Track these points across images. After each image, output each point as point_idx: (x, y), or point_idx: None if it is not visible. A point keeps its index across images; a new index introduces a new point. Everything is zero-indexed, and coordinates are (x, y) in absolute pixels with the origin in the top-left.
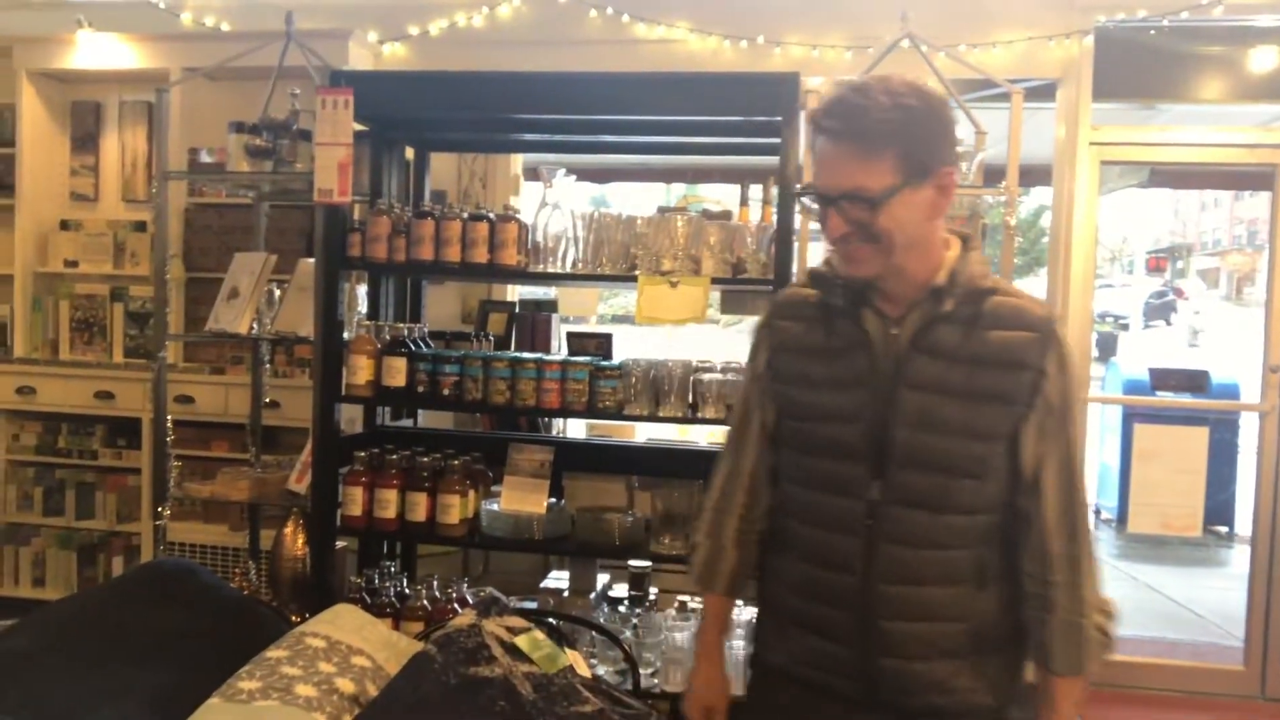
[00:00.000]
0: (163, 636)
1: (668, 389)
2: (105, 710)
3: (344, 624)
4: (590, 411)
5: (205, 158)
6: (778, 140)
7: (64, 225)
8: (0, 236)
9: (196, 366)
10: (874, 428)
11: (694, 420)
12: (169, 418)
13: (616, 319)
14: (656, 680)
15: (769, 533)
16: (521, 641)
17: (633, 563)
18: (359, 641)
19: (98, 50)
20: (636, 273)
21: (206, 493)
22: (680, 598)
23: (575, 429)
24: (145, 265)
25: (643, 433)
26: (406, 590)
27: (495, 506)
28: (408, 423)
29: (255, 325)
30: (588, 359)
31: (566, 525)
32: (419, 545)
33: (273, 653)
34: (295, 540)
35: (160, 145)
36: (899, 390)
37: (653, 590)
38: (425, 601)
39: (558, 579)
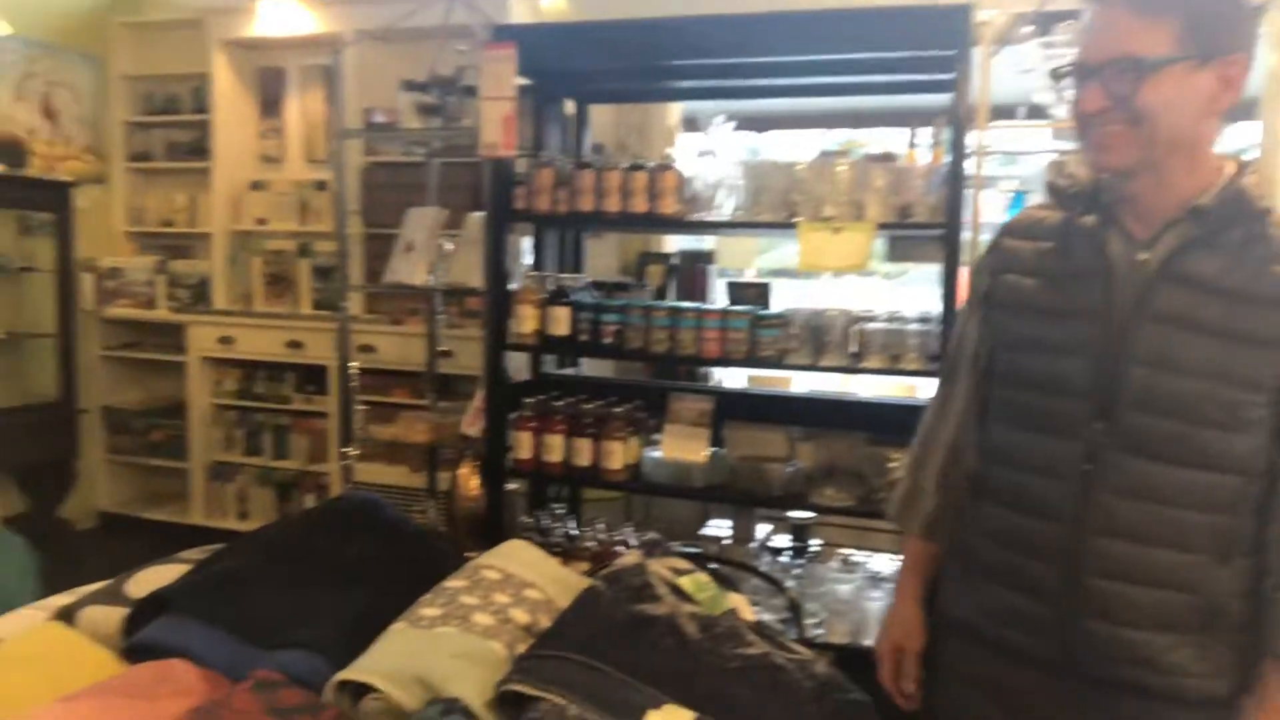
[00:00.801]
0: (352, 563)
1: (829, 338)
2: (304, 629)
3: (517, 558)
4: (750, 360)
5: (379, 118)
6: (949, 76)
7: (254, 186)
8: (200, 198)
9: (377, 318)
10: (1102, 363)
11: (856, 370)
12: (354, 365)
13: (776, 274)
14: (821, 630)
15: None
16: (685, 582)
17: (795, 513)
18: (531, 575)
19: (279, 17)
20: (796, 220)
21: (388, 435)
22: (843, 551)
23: (735, 379)
24: (328, 222)
25: (803, 385)
26: (573, 531)
27: (657, 453)
28: (572, 370)
29: (429, 277)
30: (747, 308)
31: (726, 474)
32: (584, 490)
33: (451, 583)
34: (470, 481)
35: (336, 106)
36: (1138, 323)
37: (814, 542)
38: (592, 543)
39: (718, 528)
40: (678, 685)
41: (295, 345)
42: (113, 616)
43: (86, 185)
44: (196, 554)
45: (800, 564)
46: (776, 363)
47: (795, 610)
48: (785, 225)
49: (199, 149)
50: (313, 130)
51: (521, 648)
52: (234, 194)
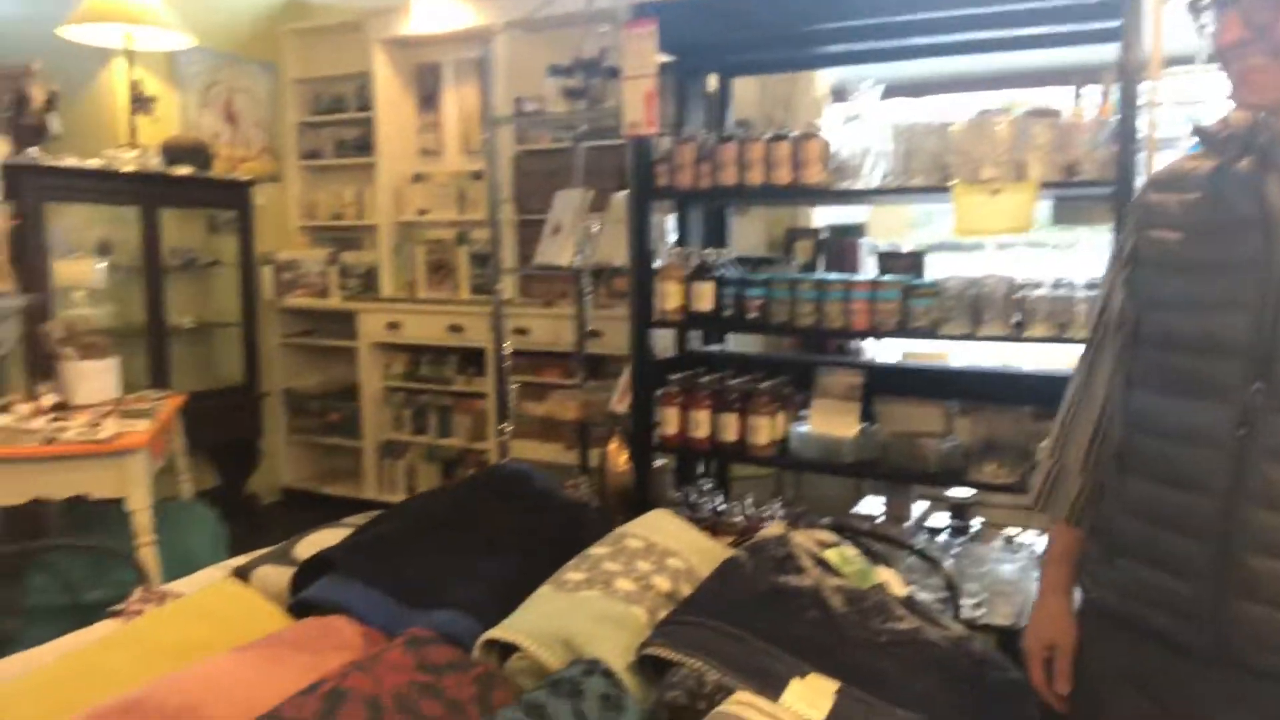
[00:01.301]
0: (502, 530)
1: (988, 307)
2: (456, 591)
3: (660, 528)
4: (901, 331)
5: (528, 106)
6: (1116, 24)
7: (415, 178)
8: (366, 192)
9: (529, 301)
10: (1262, 319)
11: (1018, 339)
12: (508, 345)
13: (934, 249)
14: (982, 611)
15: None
16: (831, 555)
17: (953, 491)
18: (674, 544)
19: (433, 14)
20: (951, 183)
21: (540, 412)
22: (1007, 530)
23: (888, 353)
24: (483, 210)
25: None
26: (720, 506)
27: (804, 428)
28: (717, 347)
29: (576, 258)
30: (898, 278)
31: (878, 449)
32: (733, 467)
33: (596, 550)
34: (618, 457)
35: (488, 95)
36: None
37: (975, 521)
38: (739, 518)
39: (871, 506)
40: (821, 656)
41: (456, 329)
42: (282, 576)
43: (264, 184)
44: (359, 519)
45: (960, 543)
46: (930, 333)
47: (952, 589)
48: (939, 189)
49: (364, 145)
50: (468, 122)
51: (663, 614)
52: (397, 186)
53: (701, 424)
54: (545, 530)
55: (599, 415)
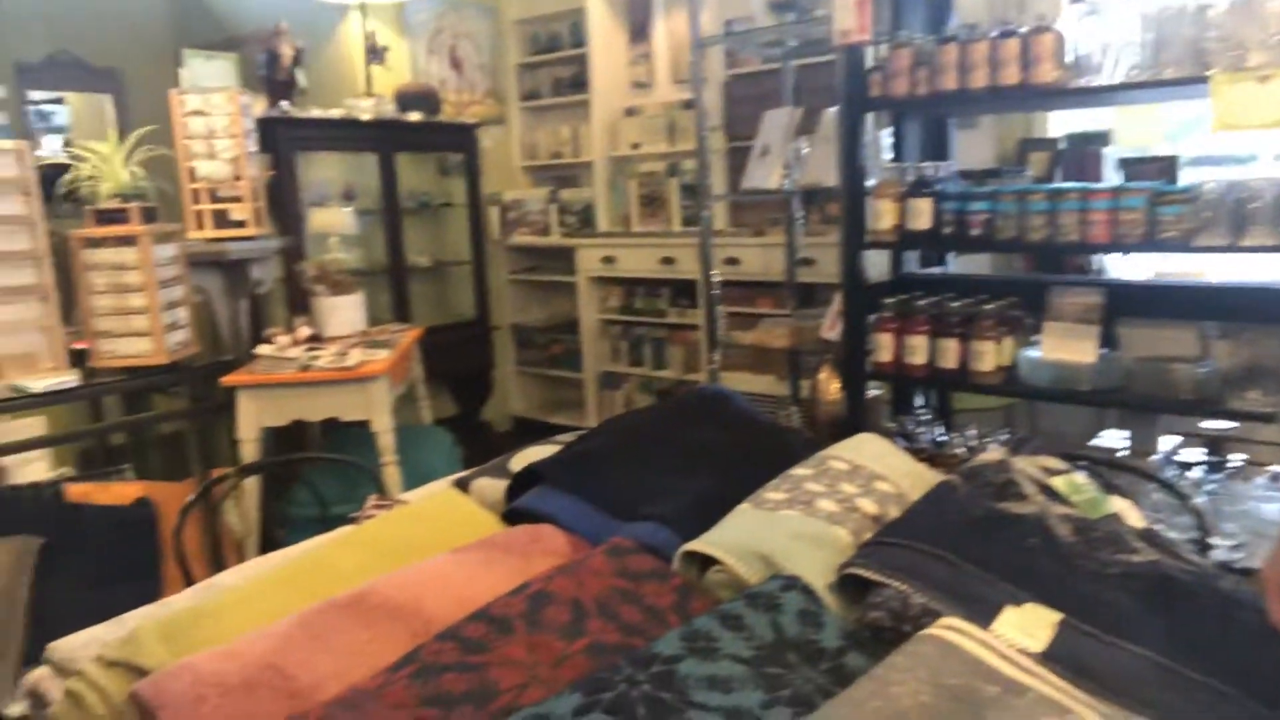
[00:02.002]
0: (702, 449)
1: (1253, 213)
2: (658, 505)
3: (867, 451)
4: (1148, 244)
5: (737, 28)
6: None
7: (628, 112)
8: (581, 129)
9: (739, 230)
10: None
11: None
12: (716, 274)
13: (1193, 162)
14: (1239, 555)
15: None
16: (1058, 483)
17: (1209, 424)
18: (881, 468)
19: None
20: (1210, 73)
21: (749, 340)
22: (1272, 468)
23: (1132, 271)
24: (693, 140)
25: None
26: (940, 437)
27: (1035, 354)
28: (937, 270)
29: (785, 180)
30: (1145, 185)
31: (1120, 376)
32: (955, 398)
33: (798, 470)
34: (829, 385)
35: (694, 15)
36: None
37: (1235, 457)
38: (961, 449)
39: (1110, 440)
40: (1042, 587)
41: (668, 261)
42: (497, 487)
43: (489, 126)
44: (567, 437)
45: (1215, 480)
46: (1181, 245)
47: (1202, 526)
48: (1195, 81)
49: (579, 83)
50: (678, 51)
51: (867, 537)
52: (610, 121)
53: (918, 350)
54: (745, 450)
55: (809, 343)
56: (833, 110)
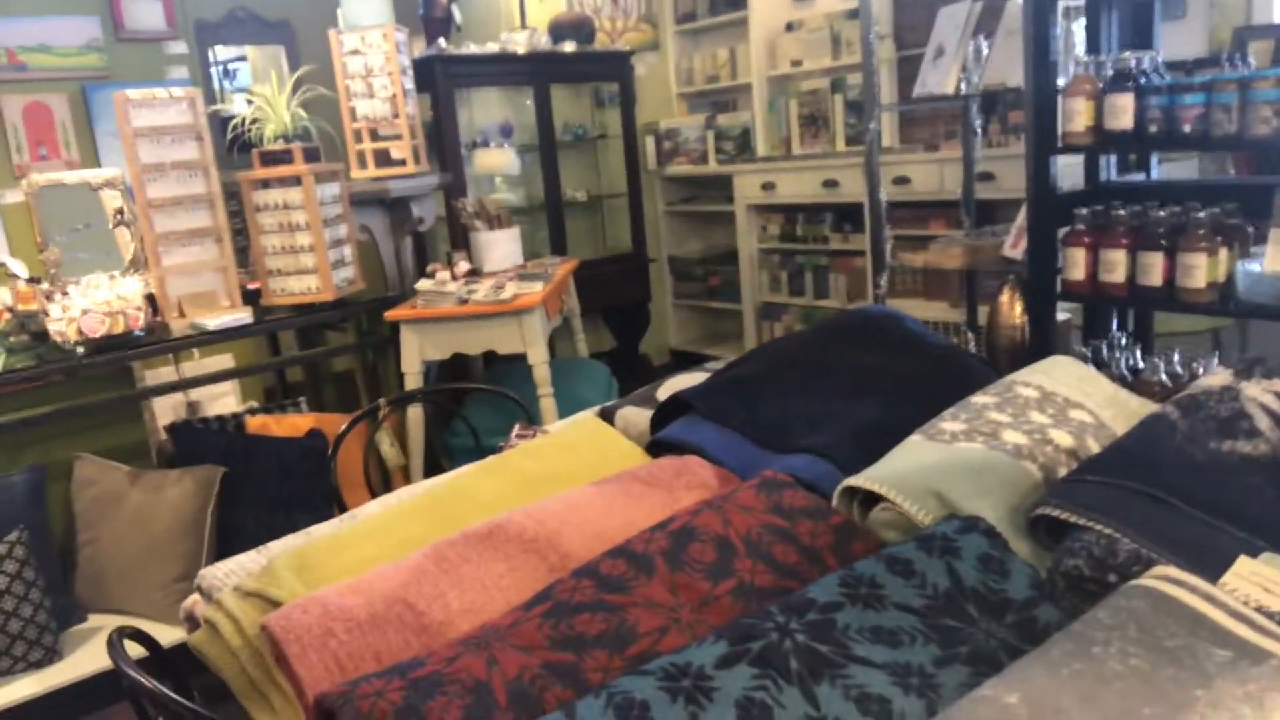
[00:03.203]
0: (868, 374)
1: None
2: (815, 435)
3: (1060, 375)
4: None
5: None
6: None
7: (788, 27)
8: (739, 49)
9: (909, 147)
10: None
11: None
12: (884, 194)
13: None
14: None
15: None
16: None
17: None
18: (1078, 395)
19: None
20: None
21: (920, 261)
22: None
23: None
24: (859, 52)
25: None
26: (1140, 364)
27: (1257, 267)
28: (1139, 176)
29: (962, 83)
30: None
31: None
32: (1155, 323)
33: (979, 398)
34: (1012, 308)
35: None
36: None
37: None
38: (1163, 376)
39: None
40: (1265, 534)
41: (831, 184)
42: (643, 416)
43: (643, 53)
44: (719, 364)
45: None
46: None
47: None
48: None
49: (736, 0)
50: None
51: (1061, 472)
52: (769, 39)
53: (1117, 266)
54: (916, 376)
55: (989, 262)
56: (1018, 1)
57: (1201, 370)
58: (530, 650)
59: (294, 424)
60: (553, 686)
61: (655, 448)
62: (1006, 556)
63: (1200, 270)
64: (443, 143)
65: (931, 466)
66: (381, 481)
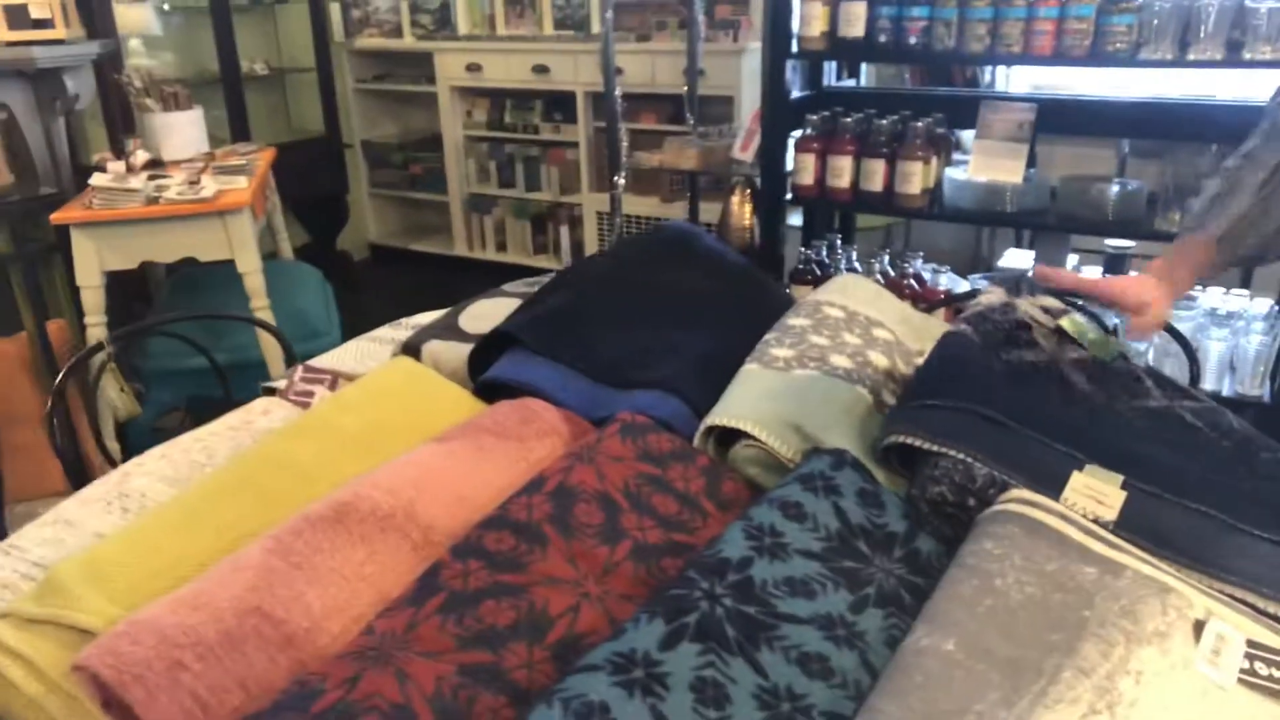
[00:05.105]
0: (684, 298)
1: (1202, 24)
2: (655, 368)
3: (856, 294)
4: (1094, 58)
5: None
6: None
7: None
8: None
9: (621, 36)
10: None
11: (1233, 64)
12: (619, 91)
13: None
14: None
15: None
16: (1065, 324)
17: (1112, 242)
18: (875, 313)
19: None
20: None
21: (655, 162)
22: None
23: (1022, 82)
24: None
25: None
26: (857, 265)
27: (961, 174)
28: (851, 82)
29: None
30: None
31: (1045, 197)
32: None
33: (793, 320)
34: (743, 210)
35: None
36: None
37: (1133, 275)
38: (911, 281)
39: (1014, 260)
40: (1090, 445)
41: (541, 70)
42: (454, 351)
43: None
44: (519, 287)
45: None
46: (1128, 60)
47: (1191, 358)
48: None
49: None
50: None
51: (885, 394)
52: None
53: (844, 172)
54: (728, 296)
55: (720, 164)
56: None
57: (911, 269)
58: (439, 656)
59: None
60: (480, 695)
61: (480, 390)
62: (879, 490)
63: (917, 177)
64: (90, 2)
65: (780, 398)
66: (118, 438)
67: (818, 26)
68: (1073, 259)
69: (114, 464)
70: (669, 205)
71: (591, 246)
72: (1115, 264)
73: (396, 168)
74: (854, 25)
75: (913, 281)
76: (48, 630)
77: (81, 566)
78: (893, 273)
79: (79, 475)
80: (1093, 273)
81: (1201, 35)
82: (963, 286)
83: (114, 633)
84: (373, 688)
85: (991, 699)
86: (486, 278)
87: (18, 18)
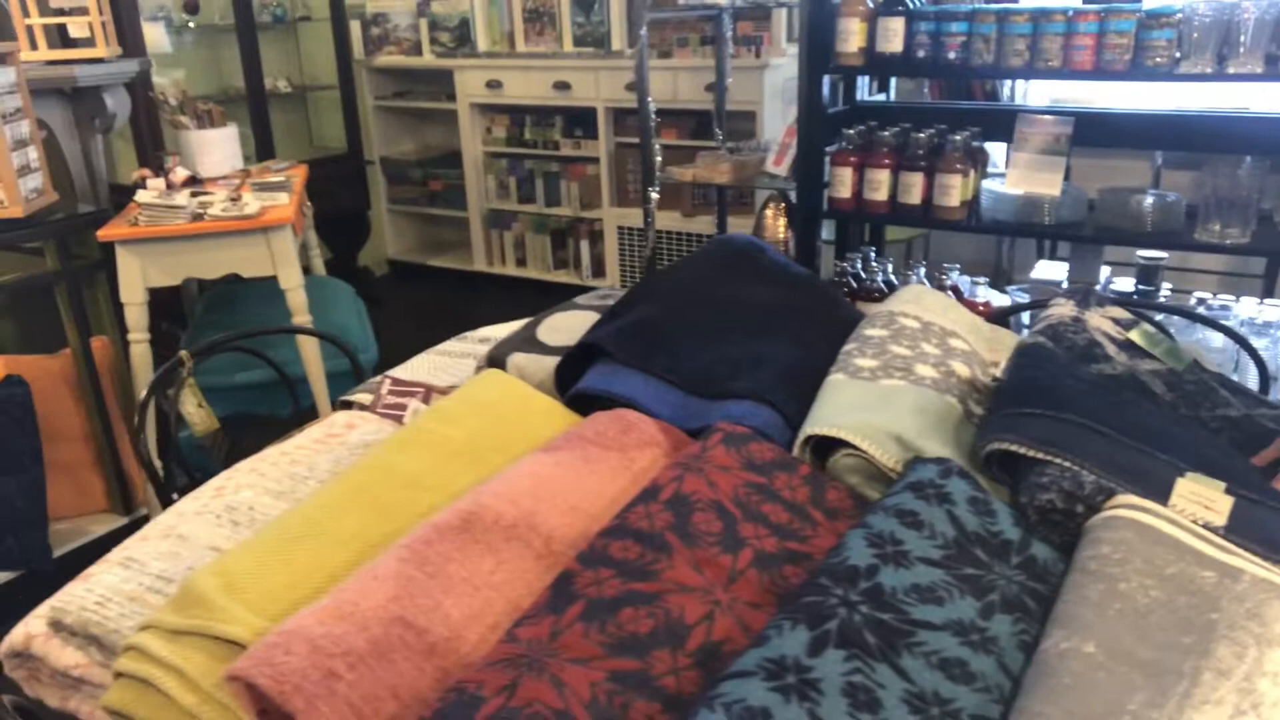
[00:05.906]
0: (760, 310)
1: (1242, 38)
2: (743, 379)
3: (929, 305)
4: (1134, 72)
5: None
6: None
7: None
8: None
9: None
10: None
11: (1274, 77)
12: (654, 106)
13: None
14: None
15: None
16: (1135, 335)
17: (1144, 253)
18: (948, 323)
19: None
20: None
21: (689, 176)
22: (1198, 294)
23: (1041, 95)
24: None
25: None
26: (894, 279)
27: (998, 186)
28: (881, 97)
29: None
30: (1134, 5)
31: (1082, 209)
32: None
33: (871, 331)
34: (776, 223)
35: None
36: None
37: (1165, 287)
38: (949, 293)
39: (1045, 271)
40: (1189, 454)
41: (562, 87)
42: (538, 364)
43: None
44: (592, 300)
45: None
46: (1166, 74)
47: (1261, 367)
48: None
49: None
50: None
51: (972, 404)
52: None
53: (881, 185)
54: (799, 307)
55: (753, 177)
56: None
57: (950, 280)
58: (588, 662)
59: None
60: (634, 700)
61: (572, 401)
62: (989, 498)
63: (955, 190)
64: (122, 21)
65: (875, 408)
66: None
67: (855, 42)
68: (1104, 270)
69: (156, 480)
70: (691, 219)
71: (613, 261)
72: (1148, 274)
73: (416, 184)
74: (892, 41)
75: (950, 294)
76: (195, 642)
77: (213, 578)
78: (929, 285)
79: (125, 493)
80: (1125, 284)
81: (1240, 49)
82: (1000, 299)
83: (266, 643)
84: (532, 694)
85: (1139, 699)
86: (505, 293)
87: (59, 37)
